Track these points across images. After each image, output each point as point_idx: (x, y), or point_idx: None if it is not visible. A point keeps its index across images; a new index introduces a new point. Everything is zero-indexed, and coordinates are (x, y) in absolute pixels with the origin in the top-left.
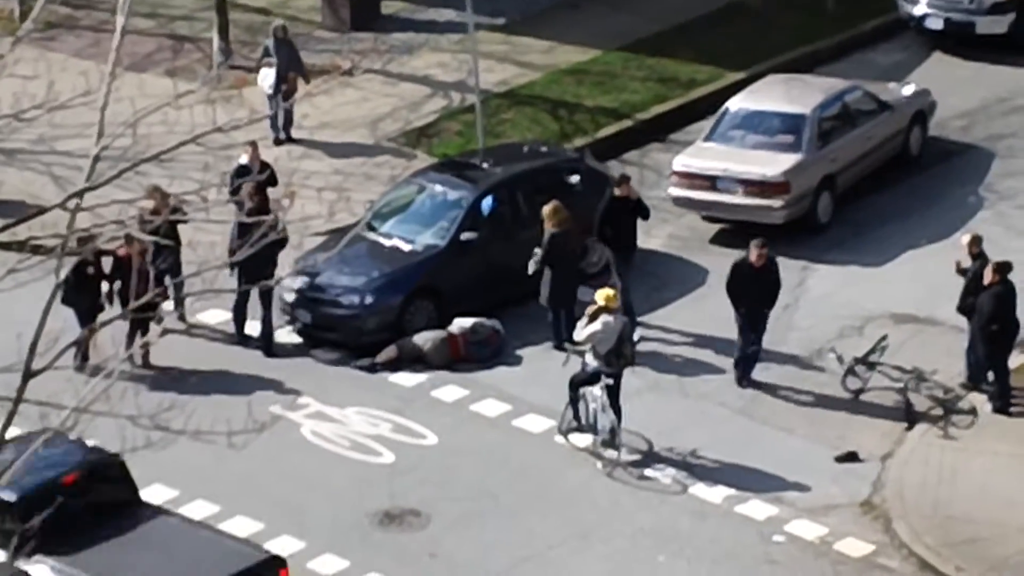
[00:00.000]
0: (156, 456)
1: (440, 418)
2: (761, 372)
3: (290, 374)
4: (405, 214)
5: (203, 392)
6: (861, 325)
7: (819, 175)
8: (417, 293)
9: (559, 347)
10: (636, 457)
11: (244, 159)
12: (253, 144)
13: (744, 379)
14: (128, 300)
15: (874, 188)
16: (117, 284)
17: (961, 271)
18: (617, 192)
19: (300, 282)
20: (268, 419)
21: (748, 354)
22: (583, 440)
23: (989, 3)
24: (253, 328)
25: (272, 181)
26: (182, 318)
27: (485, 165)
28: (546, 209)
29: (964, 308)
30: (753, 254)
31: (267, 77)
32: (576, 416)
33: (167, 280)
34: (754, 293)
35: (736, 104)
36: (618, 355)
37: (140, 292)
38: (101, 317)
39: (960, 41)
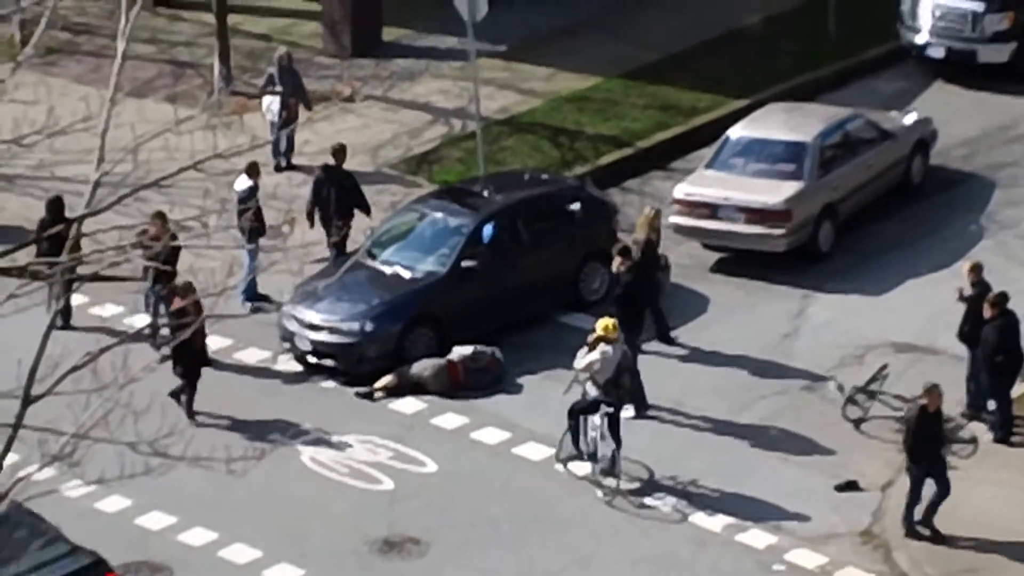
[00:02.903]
0: (155, 482)
1: (440, 445)
2: (760, 401)
3: (290, 401)
4: (405, 241)
5: (202, 418)
6: (862, 354)
7: (820, 203)
8: (417, 320)
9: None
10: (636, 485)
11: (249, 182)
12: (255, 165)
13: (933, 531)
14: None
15: (875, 217)
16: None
17: (963, 299)
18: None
19: (299, 309)
20: (267, 446)
21: (933, 501)
22: (583, 468)
23: (990, 32)
24: (249, 355)
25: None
26: None
27: (486, 192)
28: (648, 213)
29: (963, 335)
30: (927, 399)
31: (271, 105)
32: (576, 444)
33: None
34: (936, 440)
35: (737, 132)
36: (616, 385)
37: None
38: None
39: (962, 70)
